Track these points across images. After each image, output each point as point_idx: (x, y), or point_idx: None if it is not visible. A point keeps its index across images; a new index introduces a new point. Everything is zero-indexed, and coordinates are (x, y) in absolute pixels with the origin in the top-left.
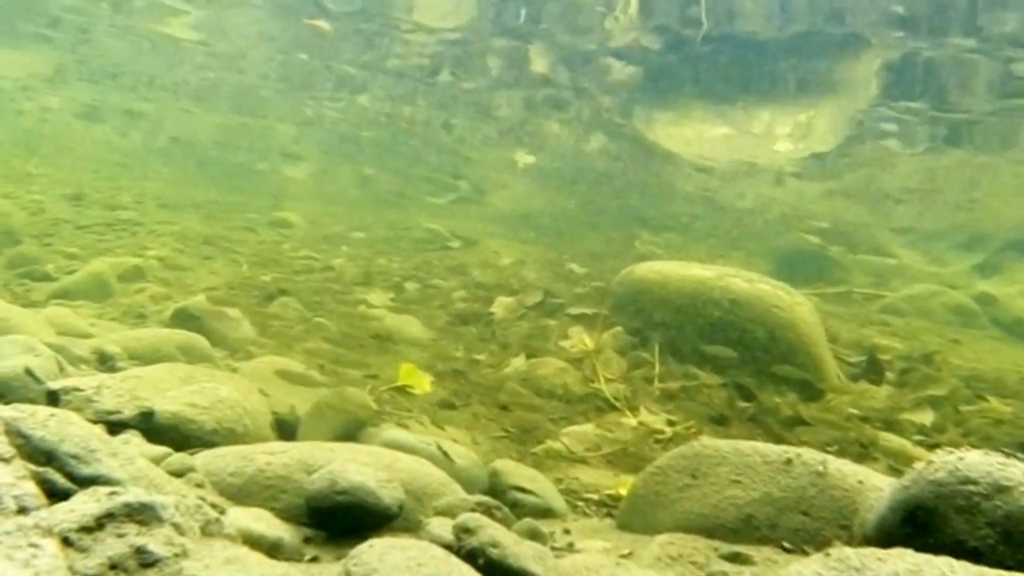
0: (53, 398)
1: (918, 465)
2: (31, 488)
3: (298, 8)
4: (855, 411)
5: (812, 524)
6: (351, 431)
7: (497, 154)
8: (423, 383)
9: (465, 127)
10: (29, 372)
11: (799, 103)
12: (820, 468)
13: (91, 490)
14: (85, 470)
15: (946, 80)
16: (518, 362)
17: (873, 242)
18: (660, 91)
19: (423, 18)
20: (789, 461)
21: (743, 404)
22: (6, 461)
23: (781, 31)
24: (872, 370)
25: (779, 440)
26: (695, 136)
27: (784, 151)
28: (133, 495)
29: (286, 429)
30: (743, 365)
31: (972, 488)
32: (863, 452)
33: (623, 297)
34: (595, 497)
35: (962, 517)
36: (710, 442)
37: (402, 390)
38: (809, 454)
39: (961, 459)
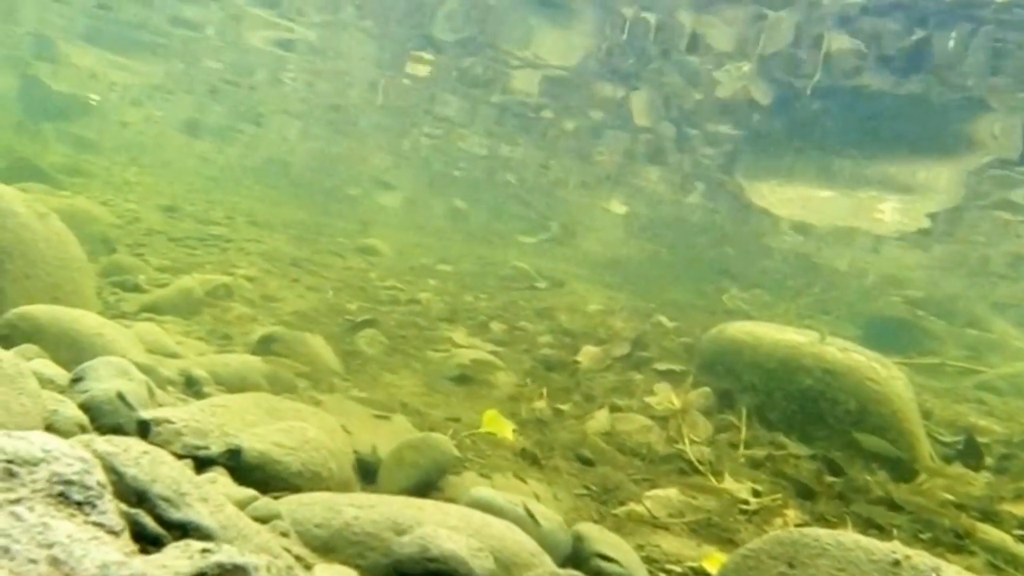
0: (144, 428)
1: None
2: (140, 567)
3: (405, 36)
4: (950, 497)
5: None
6: (433, 477)
7: (591, 198)
8: (506, 431)
9: (562, 168)
10: (121, 397)
11: (908, 165)
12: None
13: (184, 544)
14: (175, 515)
15: None
16: (602, 416)
17: (971, 314)
18: (765, 146)
19: (533, 54)
20: (897, 563)
21: (831, 479)
22: (115, 534)
23: (896, 86)
24: (969, 453)
25: (867, 522)
26: (797, 196)
27: (888, 216)
28: (226, 554)
29: (367, 470)
30: (832, 438)
31: None
32: (959, 544)
33: (712, 356)
34: (678, 569)
35: None
36: (810, 531)
37: (484, 437)
38: (920, 557)
39: None
